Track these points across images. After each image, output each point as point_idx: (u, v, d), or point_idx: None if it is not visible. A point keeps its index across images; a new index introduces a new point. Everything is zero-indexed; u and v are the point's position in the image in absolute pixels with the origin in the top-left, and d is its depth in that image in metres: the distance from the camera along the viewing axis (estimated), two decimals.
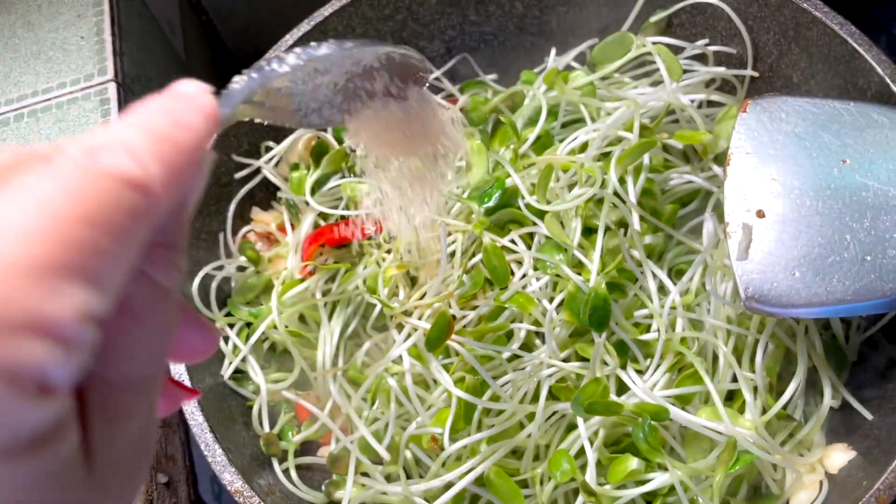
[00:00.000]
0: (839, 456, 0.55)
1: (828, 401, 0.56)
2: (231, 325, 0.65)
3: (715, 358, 0.58)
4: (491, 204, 0.63)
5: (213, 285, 0.65)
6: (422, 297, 0.62)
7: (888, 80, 0.58)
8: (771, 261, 0.52)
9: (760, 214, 0.54)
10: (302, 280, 0.65)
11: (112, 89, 0.73)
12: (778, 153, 0.55)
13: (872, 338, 0.59)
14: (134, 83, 0.77)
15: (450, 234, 0.63)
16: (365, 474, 0.59)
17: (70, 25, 0.78)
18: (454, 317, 0.59)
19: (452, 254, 0.62)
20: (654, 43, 0.67)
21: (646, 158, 0.62)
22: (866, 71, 0.59)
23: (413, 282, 0.65)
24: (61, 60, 0.76)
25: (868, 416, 0.55)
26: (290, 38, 0.70)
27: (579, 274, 0.58)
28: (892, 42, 0.76)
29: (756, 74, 0.69)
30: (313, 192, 0.69)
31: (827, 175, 0.53)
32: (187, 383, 0.56)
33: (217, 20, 1.08)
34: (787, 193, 0.54)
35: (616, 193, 0.60)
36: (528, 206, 0.62)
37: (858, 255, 0.51)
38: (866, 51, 0.59)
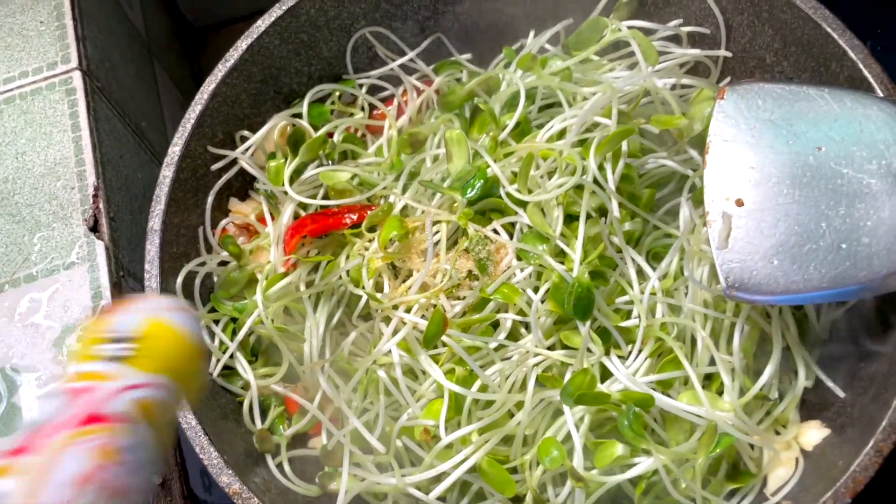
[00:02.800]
0: (814, 433, 0.57)
1: (802, 380, 0.58)
2: (216, 321, 0.64)
3: (693, 342, 0.60)
4: (473, 194, 0.63)
5: (197, 282, 0.64)
6: (407, 290, 0.62)
7: (860, 65, 0.59)
8: (750, 249, 0.53)
9: (739, 203, 0.55)
10: (286, 274, 0.64)
11: (78, 78, 0.70)
12: (755, 141, 0.56)
13: (842, 317, 0.61)
14: (98, 69, 0.75)
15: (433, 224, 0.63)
16: (357, 465, 0.60)
17: (27, 9, 0.75)
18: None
19: (436, 244, 0.63)
20: (628, 28, 0.67)
21: (624, 145, 0.62)
22: (839, 55, 0.60)
23: (396, 272, 0.65)
24: (20, 48, 0.73)
25: (840, 393, 0.57)
26: (262, 24, 0.68)
27: (562, 263, 0.59)
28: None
29: (729, 55, 0.69)
30: (292, 181, 0.68)
31: (803, 163, 0.54)
32: None
33: None
34: (764, 181, 0.55)
35: (596, 181, 0.61)
36: (508, 194, 0.63)
37: (834, 243, 0.52)
38: (839, 35, 0.60)
